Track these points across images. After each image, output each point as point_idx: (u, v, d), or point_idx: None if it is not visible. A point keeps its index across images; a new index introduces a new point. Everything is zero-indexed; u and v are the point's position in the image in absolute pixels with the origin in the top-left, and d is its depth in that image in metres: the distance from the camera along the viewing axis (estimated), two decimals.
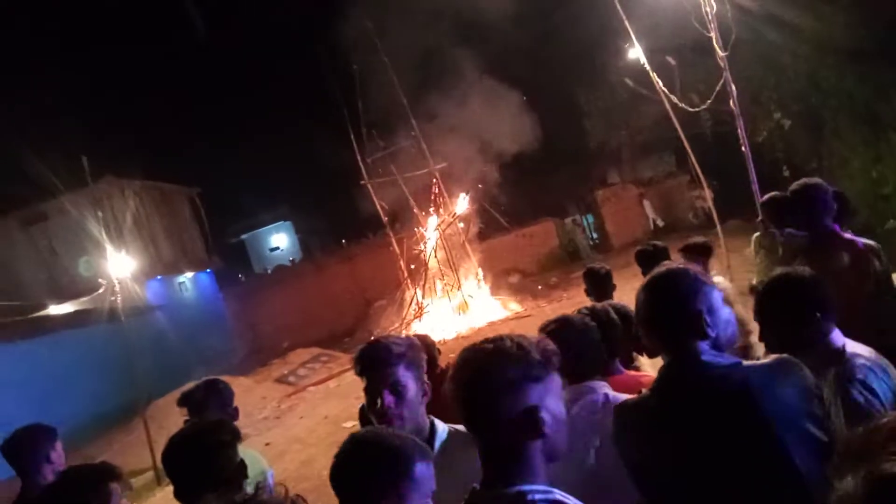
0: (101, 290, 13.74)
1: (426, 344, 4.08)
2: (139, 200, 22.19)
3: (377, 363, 2.09)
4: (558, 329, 2.27)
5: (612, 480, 1.93)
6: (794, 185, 3.44)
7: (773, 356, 1.69)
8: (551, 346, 1.45)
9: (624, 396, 2.12)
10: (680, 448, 1.58)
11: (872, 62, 12.10)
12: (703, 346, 1.64)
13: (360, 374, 2.23)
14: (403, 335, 4.46)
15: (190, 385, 3.12)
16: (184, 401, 3.01)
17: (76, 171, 14.45)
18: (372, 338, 2.71)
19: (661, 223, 23.14)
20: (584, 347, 2.23)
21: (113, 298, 11.58)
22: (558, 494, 1.37)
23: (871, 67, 12.15)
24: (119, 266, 12.32)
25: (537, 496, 1.35)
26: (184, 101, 37.43)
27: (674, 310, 1.67)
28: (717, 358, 1.64)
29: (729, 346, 1.74)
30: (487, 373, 1.39)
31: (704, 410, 1.54)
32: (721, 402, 1.56)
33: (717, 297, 1.70)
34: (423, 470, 1.49)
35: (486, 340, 1.45)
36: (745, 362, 1.67)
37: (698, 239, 4.66)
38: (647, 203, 24.04)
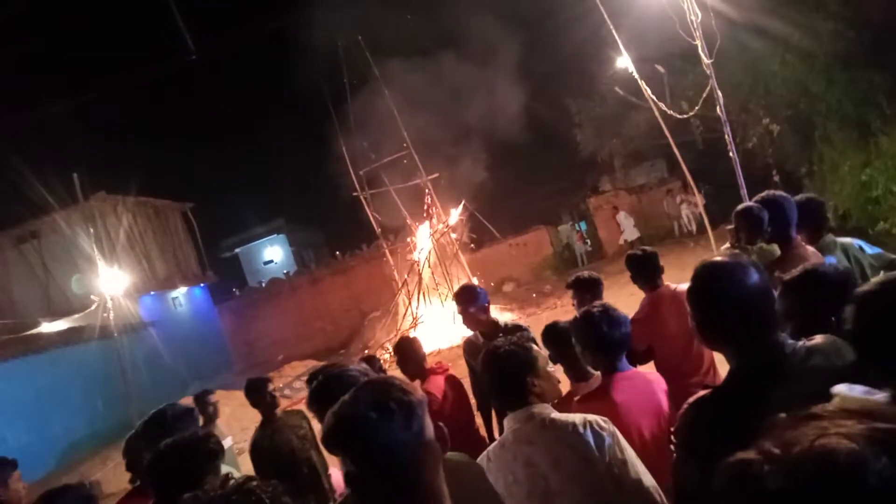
0: (94, 307, 13.69)
1: (373, 362, 4.50)
2: (132, 216, 22.10)
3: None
4: (493, 360, 2.25)
5: (571, 499, 1.98)
6: (763, 196, 3.55)
7: (820, 337, 1.69)
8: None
9: (566, 416, 2.11)
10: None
11: (860, 67, 12.20)
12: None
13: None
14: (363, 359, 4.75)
15: (187, 399, 3.14)
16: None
17: (68, 188, 14.45)
18: (325, 367, 2.66)
19: (632, 238, 21.55)
20: (516, 373, 2.18)
21: (105, 315, 11.55)
22: None
23: (859, 72, 12.24)
24: (112, 282, 12.31)
25: None
26: (177, 116, 37.56)
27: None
28: (791, 342, 1.65)
29: None
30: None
31: (794, 395, 1.53)
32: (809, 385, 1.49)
33: None
34: None
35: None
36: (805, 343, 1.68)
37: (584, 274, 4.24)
38: (622, 214, 22.54)
